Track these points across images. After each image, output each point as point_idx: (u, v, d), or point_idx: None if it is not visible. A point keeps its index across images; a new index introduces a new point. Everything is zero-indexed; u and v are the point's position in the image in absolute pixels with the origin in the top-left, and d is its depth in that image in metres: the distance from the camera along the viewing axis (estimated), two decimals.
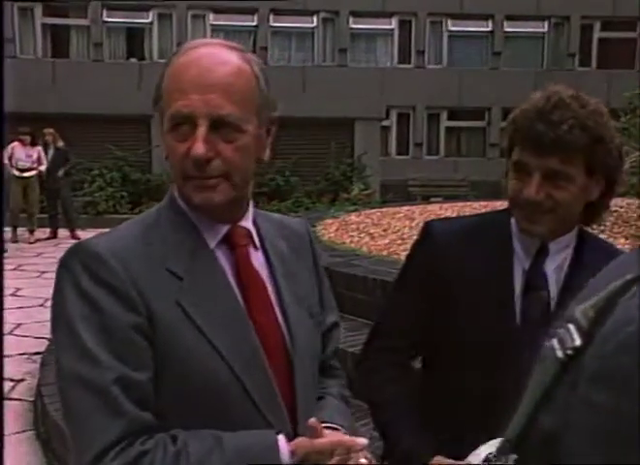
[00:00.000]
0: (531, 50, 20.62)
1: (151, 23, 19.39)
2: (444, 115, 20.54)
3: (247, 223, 1.35)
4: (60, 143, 12.62)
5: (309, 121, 15.44)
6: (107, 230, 1.31)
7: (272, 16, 19.58)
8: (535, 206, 1.50)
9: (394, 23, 20.19)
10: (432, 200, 13.80)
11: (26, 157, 12.10)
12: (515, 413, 0.74)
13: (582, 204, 1.55)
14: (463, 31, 20.35)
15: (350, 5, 19.45)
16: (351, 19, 19.86)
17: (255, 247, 1.36)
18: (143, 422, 1.14)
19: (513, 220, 1.62)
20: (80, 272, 1.18)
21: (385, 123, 18.43)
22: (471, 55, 20.49)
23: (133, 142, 15.67)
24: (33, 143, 12.24)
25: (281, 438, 1.20)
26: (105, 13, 19.01)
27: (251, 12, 19.36)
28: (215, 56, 1.23)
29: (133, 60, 19.29)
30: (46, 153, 12.40)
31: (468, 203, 9.29)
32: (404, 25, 20.22)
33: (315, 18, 19.86)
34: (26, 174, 12.10)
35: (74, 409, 1.16)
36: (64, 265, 1.21)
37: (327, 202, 15.06)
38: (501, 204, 1.71)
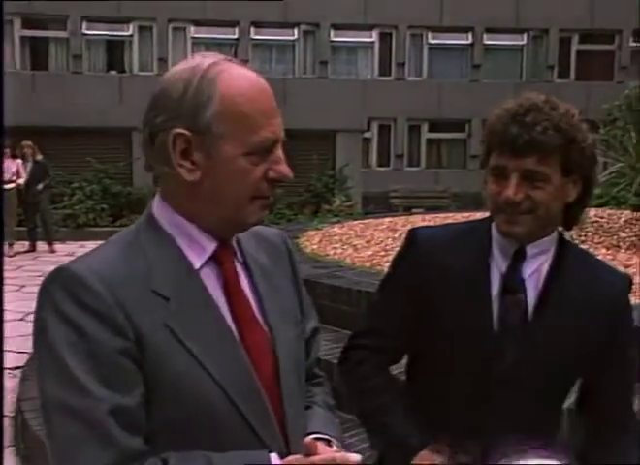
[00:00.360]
0: (511, 63, 20.81)
1: (131, 36, 19.36)
2: (425, 127, 20.64)
3: (232, 239, 1.34)
4: (39, 156, 12.53)
5: (291, 133, 14.98)
6: (87, 242, 1.29)
7: (252, 29, 19.63)
8: (514, 207, 1.52)
9: (374, 36, 20.31)
10: (414, 211, 13.86)
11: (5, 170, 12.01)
12: None
13: (560, 205, 1.57)
14: (443, 44, 20.51)
15: (331, 17, 19.55)
16: (332, 32, 19.96)
17: (239, 261, 1.35)
18: (133, 450, 1.12)
19: (494, 225, 1.63)
20: (62, 298, 1.14)
21: (366, 135, 18.50)
22: (451, 68, 20.65)
23: (113, 155, 15.58)
24: (13, 156, 12.15)
25: (274, 456, 1.19)
26: (84, 25, 18.96)
27: (232, 24, 19.39)
28: (256, 77, 1.26)
29: (113, 72, 19.24)
30: (24, 166, 12.31)
31: (450, 215, 9.32)
32: (385, 38, 20.34)
33: (296, 31, 19.93)
34: (4, 187, 11.99)
35: (61, 438, 1.13)
36: (46, 291, 1.17)
37: (309, 214, 15.06)
38: (482, 215, 1.72)
